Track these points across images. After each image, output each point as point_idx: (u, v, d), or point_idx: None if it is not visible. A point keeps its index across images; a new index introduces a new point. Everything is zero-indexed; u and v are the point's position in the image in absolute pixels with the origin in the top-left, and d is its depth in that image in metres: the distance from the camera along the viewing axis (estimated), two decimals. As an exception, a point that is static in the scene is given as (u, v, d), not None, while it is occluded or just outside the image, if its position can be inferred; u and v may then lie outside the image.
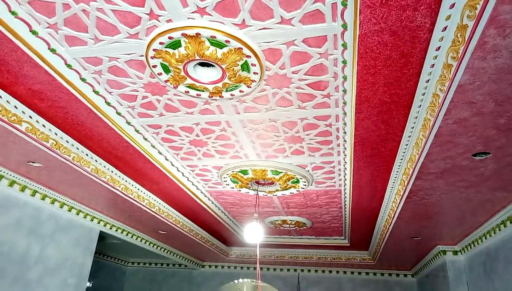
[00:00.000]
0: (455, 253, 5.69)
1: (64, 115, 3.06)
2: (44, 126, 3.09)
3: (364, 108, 2.71)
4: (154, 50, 2.25)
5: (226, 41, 2.13)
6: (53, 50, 2.35)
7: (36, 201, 4.20)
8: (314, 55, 2.25)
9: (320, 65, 2.34)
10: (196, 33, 2.08)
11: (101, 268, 8.49)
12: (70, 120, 3.13)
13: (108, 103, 2.92)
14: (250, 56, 2.25)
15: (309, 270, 8.87)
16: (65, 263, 4.70)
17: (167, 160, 3.93)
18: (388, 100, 2.58)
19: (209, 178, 4.43)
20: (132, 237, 6.15)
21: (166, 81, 2.55)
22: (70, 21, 2.10)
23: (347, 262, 8.08)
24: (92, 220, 5.11)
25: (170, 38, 2.13)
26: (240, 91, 2.61)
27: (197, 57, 2.26)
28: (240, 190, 4.67)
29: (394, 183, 3.96)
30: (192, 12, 1.96)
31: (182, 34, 2.09)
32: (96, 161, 3.73)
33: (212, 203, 5.35)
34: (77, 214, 4.82)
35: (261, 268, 9.01)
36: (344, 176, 4.13)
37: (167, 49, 2.23)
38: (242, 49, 2.19)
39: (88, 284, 7.74)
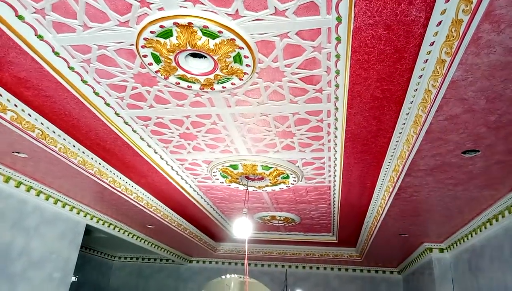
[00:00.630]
0: (441, 250, 5.76)
1: (51, 105, 2.99)
2: (30, 115, 3.01)
3: (356, 103, 2.70)
4: (144, 39, 2.20)
5: (219, 31, 2.09)
6: (40, 37, 2.28)
7: (20, 192, 4.11)
8: (308, 48, 2.23)
9: (313, 59, 2.32)
10: (188, 23, 2.04)
11: (87, 262, 8.39)
12: (57, 110, 3.06)
13: (97, 94, 2.86)
14: (243, 48, 2.22)
15: (296, 266, 8.90)
16: (50, 256, 4.62)
17: (156, 153, 3.88)
18: (380, 95, 2.57)
19: (198, 172, 4.39)
20: (119, 231, 6.08)
21: (156, 71, 2.50)
22: (58, 6, 2.04)
23: (335, 258, 8.13)
24: (78, 213, 5.03)
25: (161, 27, 2.09)
26: (232, 84, 2.58)
27: (189, 48, 2.22)
28: (229, 185, 4.65)
29: (383, 179, 3.98)
30: (185, 1, 1.92)
31: (174, 23, 2.05)
32: (84, 153, 3.66)
33: (201, 197, 5.31)
34: (63, 206, 4.74)
35: (249, 264, 9.01)
36: (334, 172, 4.13)
37: (158, 39, 2.19)
38: (235, 40, 2.16)
39: (73, 278, 7.64)
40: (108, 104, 3.00)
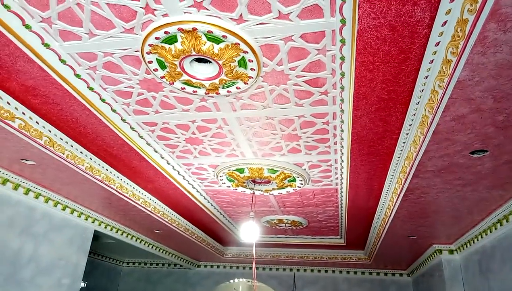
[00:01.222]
0: (451, 252, 5.69)
1: (58, 112, 3.02)
2: (38, 123, 3.04)
3: (362, 105, 2.69)
4: (149, 45, 2.21)
5: (223, 36, 2.10)
6: (46, 45, 2.31)
7: (29, 199, 4.15)
8: (312, 51, 2.22)
9: (317, 62, 2.32)
10: (192, 28, 2.05)
11: (95, 268, 8.42)
12: (64, 117, 3.09)
13: (103, 100, 2.88)
14: (247, 52, 2.22)
15: (305, 270, 8.85)
16: (58, 262, 4.64)
17: (162, 158, 3.90)
18: (386, 97, 2.56)
19: (205, 176, 4.39)
20: (127, 236, 6.10)
21: (162, 77, 2.51)
22: (64, 15, 2.06)
23: (343, 261, 8.07)
24: (86, 219, 5.06)
25: (166, 33, 2.10)
26: (237, 88, 2.58)
27: (194, 53, 2.23)
28: (236, 189, 4.64)
29: (391, 181, 3.95)
30: (189, 6, 1.93)
31: (178, 29, 2.06)
32: (91, 159, 3.68)
33: (208, 202, 5.31)
34: (71, 213, 4.77)
35: (257, 268, 8.98)
36: (341, 175, 4.11)
37: (163, 44, 2.20)
38: (239, 44, 2.16)
39: (82, 284, 7.67)
40: (114, 111, 3.02)
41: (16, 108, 2.85)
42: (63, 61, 2.45)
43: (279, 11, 1.93)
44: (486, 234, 4.47)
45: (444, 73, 2.03)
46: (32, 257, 4.26)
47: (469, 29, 1.66)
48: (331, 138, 3.31)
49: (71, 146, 3.41)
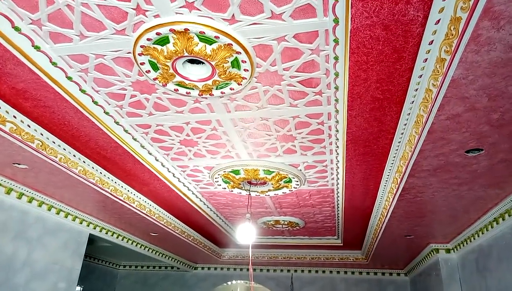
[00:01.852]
0: (448, 251, 5.69)
1: (50, 115, 2.98)
2: (29, 126, 3.00)
3: (356, 105, 2.68)
4: (141, 46, 2.19)
5: (216, 37, 2.08)
6: (37, 48, 2.28)
7: (22, 203, 4.10)
8: (306, 51, 2.21)
9: (311, 62, 2.30)
10: (184, 29, 2.03)
11: (92, 271, 8.36)
12: (56, 120, 3.05)
13: (96, 103, 2.85)
14: (240, 53, 2.20)
15: (302, 271, 8.84)
16: (53, 267, 4.59)
17: (157, 160, 3.87)
18: (380, 96, 2.55)
19: (200, 178, 4.36)
20: (123, 239, 6.05)
21: (154, 79, 2.49)
22: (54, 16, 2.03)
23: (340, 261, 8.06)
24: (81, 223, 5.01)
25: (158, 34, 2.08)
26: (231, 89, 2.56)
27: (186, 54, 2.21)
28: (232, 191, 4.62)
29: (386, 181, 3.94)
30: (180, 7, 1.91)
31: (170, 30, 2.04)
32: (84, 162, 3.64)
33: (204, 204, 5.28)
34: (66, 216, 4.72)
35: (254, 269, 8.95)
36: (337, 175, 4.10)
37: (155, 46, 2.18)
38: (232, 45, 2.14)
39: (78, 288, 7.62)
40: (107, 113, 2.99)
41: (7, 111, 2.81)
42: (54, 64, 2.42)
43: (271, 11, 1.91)
44: (482, 233, 4.47)
45: (438, 72, 2.02)
46: (26, 261, 4.21)
47: (462, 27, 1.65)
48: (326, 138, 3.29)
49: (64, 149, 3.37)
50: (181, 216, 5.73)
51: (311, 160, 3.76)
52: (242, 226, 4.28)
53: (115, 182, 4.18)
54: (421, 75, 2.24)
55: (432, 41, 1.95)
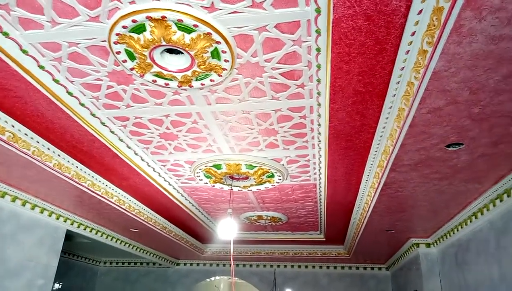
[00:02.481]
0: (428, 245, 5.77)
1: (22, 106, 2.85)
2: (0, 118, 2.87)
3: (339, 98, 2.65)
4: (117, 34, 2.10)
5: (194, 25, 2.01)
6: (5, 34, 2.16)
7: (-5, 199, 3.95)
8: (287, 42, 2.16)
9: (293, 53, 2.25)
10: (161, 16, 1.95)
11: (71, 268, 8.18)
12: (29, 112, 2.93)
13: (70, 93, 2.74)
14: (220, 42, 2.14)
15: (285, 266, 8.85)
16: (28, 264, 4.45)
17: (136, 154, 3.77)
18: (362, 89, 2.52)
19: (181, 173, 4.28)
20: (102, 235, 5.92)
21: (131, 69, 2.40)
22: (23, 1, 1.93)
23: (323, 256, 8.10)
24: (57, 219, 4.86)
25: (133, 21, 1.99)
26: (211, 80, 2.49)
27: (164, 43, 2.13)
28: (214, 185, 4.55)
29: (368, 175, 3.94)
30: (157, -7, 1.83)
31: (147, 17, 1.96)
32: (59, 155, 3.52)
33: (186, 199, 5.20)
34: (41, 212, 4.57)
35: (237, 265, 8.92)
36: (319, 170, 4.07)
37: (131, 34, 2.09)
38: (211, 34, 2.07)
39: (56, 285, 7.44)
40: (83, 105, 2.88)
41: (-25, 102, 2.68)
42: (24, 52, 2.31)
43: (252, 0, 1.85)
44: (461, 227, 4.53)
45: (420, 64, 2.00)
46: (-1, 259, 4.06)
47: (444, 18, 1.62)
48: (308, 132, 3.26)
49: (37, 141, 3.24)
50: (162, 211, 5.64)
51: (294, 154, 3.72)
52: (223, 221, 4.22)
53: (93, 177, 4.06)
54: (403, 68, 2.22)
55: (415, 32, 1.92)
